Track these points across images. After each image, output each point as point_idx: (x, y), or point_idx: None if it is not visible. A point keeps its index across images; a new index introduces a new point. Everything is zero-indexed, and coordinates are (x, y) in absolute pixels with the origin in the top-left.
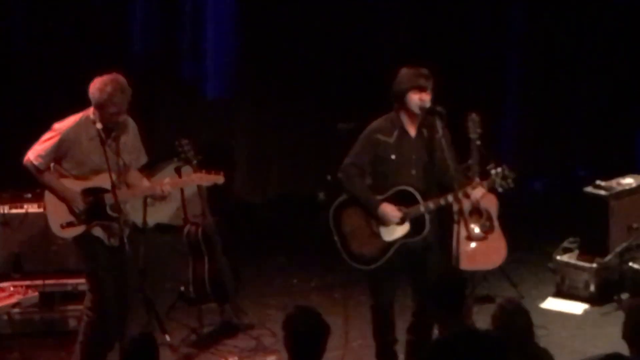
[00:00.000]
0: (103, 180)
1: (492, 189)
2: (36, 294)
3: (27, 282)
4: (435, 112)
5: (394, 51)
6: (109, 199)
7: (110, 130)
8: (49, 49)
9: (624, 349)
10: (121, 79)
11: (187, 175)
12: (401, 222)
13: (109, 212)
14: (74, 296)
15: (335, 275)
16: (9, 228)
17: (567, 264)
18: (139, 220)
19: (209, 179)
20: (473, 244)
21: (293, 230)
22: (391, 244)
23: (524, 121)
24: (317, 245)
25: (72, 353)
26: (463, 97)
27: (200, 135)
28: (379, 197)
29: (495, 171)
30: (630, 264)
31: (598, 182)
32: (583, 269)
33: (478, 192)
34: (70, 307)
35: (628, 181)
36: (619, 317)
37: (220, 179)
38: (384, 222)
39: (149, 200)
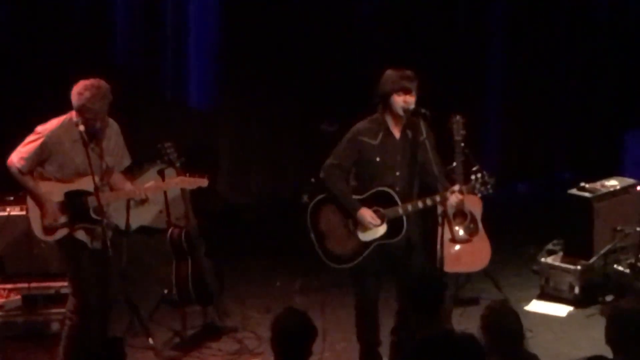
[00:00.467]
0: (86, 183)
1: (472, 194)
2: (19, 297)
3: (10, 286)
4: (420, 114)
5: (378, 53)
6: (92, 201)
7: (94, 133)
8: (31, 54)
9: (608, 351)
10: (103, 84)
11: (171, 178)
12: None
13: (92, 215)
14: (57, 299)
15: (318, 277)
16: None
17: (551, 266)
18: (122, 223)
19: (192, 182)
20: (457, 246)
21: (277, 233)
22: (367, 244)
23: (508, 123)
24: (300, 248)
25: (54, 356)
26: (447, 99)
27: (183, 137)
28: (359, 197)
29: (475, 177)
30: (615, 266)
31: (582, 184)
32: (567, 271)
33: (455, 198)
34: (53, 310)
35: (612, 183)
36: (603, 319)
37: (204, 182)
38: (361, 225)
39: (132, 202)
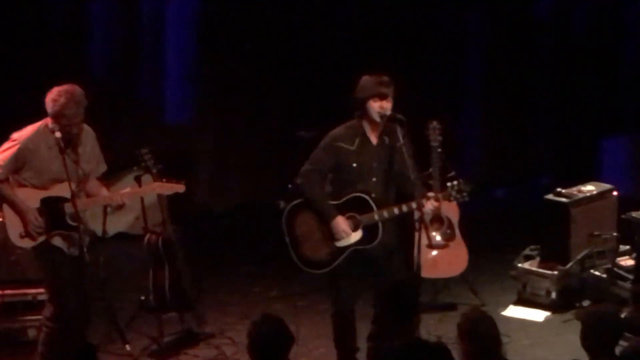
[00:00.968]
0: (62, 189)
1: (448, 201)
2: None
3: None
4: (396, 119)
5: (355, 59)
6: (68, 208)
7: (70, 139)
8: (6, 62)
9: (584, 355)
10: (77, 90)
11: (148, 183)
12: (354, 228)
13: (69, 221)
14: (34, 306)
15: (296, 283)
16: None
17: (528, 271)
18: (98, 229)
19: (169, 188)
20: (434, 252)
21: (254, 239)
22: (342, 250)
23: (485, 129)
24: (278, 254)
25: None
26: (424, 105)
27: (160, 143)
28: (335, 203)
29: (451, 184)
30: (591, 271)
31: (559, 189)
32: (544, 276)
33: (431, 205)
34: (30, 317)
35: (589, 188)
36: (580, 324)
37: (181, 188)
38: (334, 234)
39: (108, 209)
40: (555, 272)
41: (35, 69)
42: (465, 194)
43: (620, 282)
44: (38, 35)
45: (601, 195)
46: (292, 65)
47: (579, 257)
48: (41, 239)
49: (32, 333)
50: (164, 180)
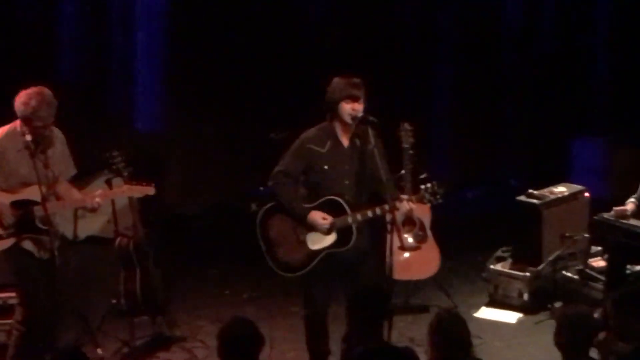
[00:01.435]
0: (32, 193)
1: (422, 203)
2: None
3: None
4: (368, 121)
5: (326, 61)
6: (38, 211)
7: (39, 142)
8: None
9: (557, 356)
10: (47, 91)
11: (118, 186)
12: (328, 231)
13: (39, 224)
14: (4, 310)
15: (268, 286)
16: None
17: (500, 273)
18: (69, 233)
19: (139, 191)
20: (406, 254)
21: (226, 242)
22: (316, 253)
23: (457, 130)
24: (249, 256)
25: None
26: (396, 107)
27: (131, 147)
28: (308, 206)
29: (425, 186)
30: (563, 272)
31: (530, 191)
32: (516, 277)
33: (405, 206)
34: (0, 321)
35: (560, 190)
36: (553, 325)
37: (150, 191)
38: (312, 229)
39: (79, 212)
40: (527, 274)
41: (3, 74)
42: (438, 196)
43: (592, 283)
44: (7, 40)
45: (573, 196)
46: (263, 67)
47: (550, 258)
48: (11, 242)
49: (2, 337)
50: (134, 182)
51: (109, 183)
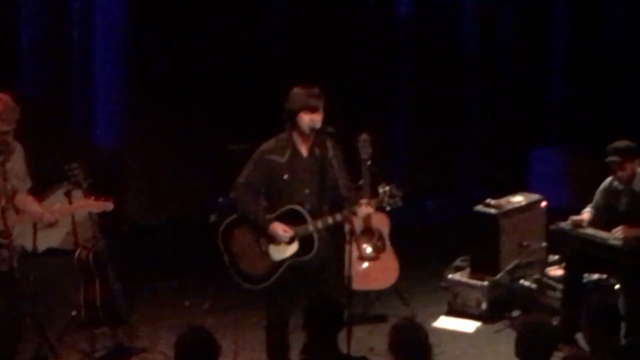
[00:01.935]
0: None
1: (381, 208)
2: None
3: None
4: (327, 132)
5: (286, 71)
6: None
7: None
8: None
9: None
10: (7, 97)
11: (78, 200)
12: (290, 241)
13: None
14: None
15: (228, 297)
16: None
17: (458, 282)
18: (29, 245)
19: (98, 206)
20: (365, 264)
21: (185, 253)
22: (280, 263)
23: (415, 141)
24: (209, 268)
25: None
26: (354, 118)
27: (90, 158)
28: (269, 217)
29: (383, 189)
30: (521, 281)
31: (488, 200)
32: (474, 287)
33: (365, 211)
34: None
35: (518, 199)
36: (511, 334)
37: (109, 206)
38: (274, 240)
39: (39, 224)
40: (485, 283)
41: None
42: (397, 198)
43: (550, 292)
44: None
45: (530, 206)
46: (222, 79)
47: (508, 267)
48: None
49: None
50: (93, 196)
51: (68, 195)
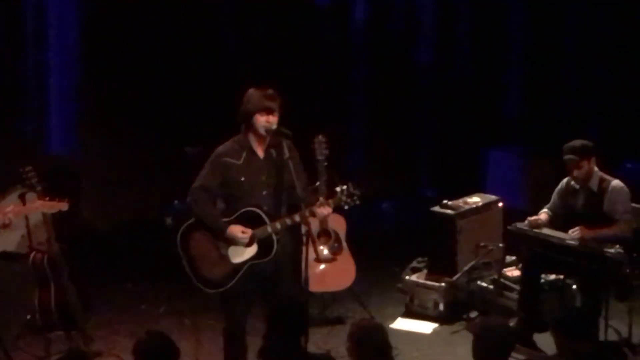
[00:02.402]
0: None
1: (339, 208)
2: None
3: None
4: (282, 133)
5: (241, 73)
6: None
7: None
8: None
9: None
10: None
11: (31, 202)
12: (249, 243)
13: None
14: None
15: (184, 300)
16: None
17: (416, 284)
18: None
19: (52, 206)
20: (322, 266)
21: (141, 256)
22: (240, 266)
23: (371, 142)
24: (165, 271)
25: None
26: (310, 119)
27: (45, 164)
28: (226, 220)
29: (340, 189)
30: (478, 282)
31: (445, 201)
32: (432, 288)
33: (324, 210)
34: None
35: (475, 200)
36: (468, 335)
37: (64, 206)
38: (232, 243)
39: None
40: (443, 284)
41: None
42: (355, 197)
43: (507, 293)
44: None
45: (487, 206)
46: (176, 81)
47: (465, 268)
48: None
49: None
50: (47, 198)
51: (22, 198)
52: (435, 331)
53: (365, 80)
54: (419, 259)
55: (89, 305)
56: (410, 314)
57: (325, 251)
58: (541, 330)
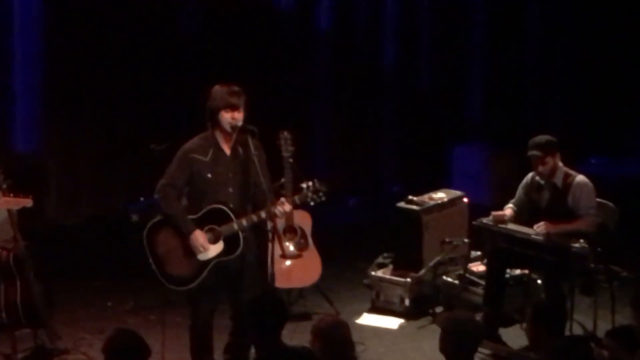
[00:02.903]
0: None
1: (304, 204)
2: None
3: None
4: (247, 130)
5: (206, 69)
6: None
7: None
8: None
9: None
10: None
11: None
12: (215, 240)
13: None
14: None
15: (150, 297)
16: None
17: (381, 279)
18: None
19: (17, 203)
20: (288, 262)
21: (107, 253)
22: (206, 263)
23: (336, 138)
24: (131, 267)
25: None
26: (276, 115)
27: (9, 162)
28: (193, 217)
29: (306, 185)
30: (444, 277)
31: (410, 197)
32: (397, 283)
33: (284, 208)
34: None
35: (440, 195)
36: (434, 330)
37: (28, 202)
38: (192, 249)
39: None
40: (408, 280)
41: None
42: (321, 193)
43: (472, 288)
44: None
45: (452, 202)
46: (140, 78)
47: (431, 264)
48: None
49: None
50: (11, 195)
51: None
52: (401, 326)
53: (331, 77)
54: (385, 254)
55: (55, 303)
56: (376, 309)
57: (291, 247)
58: (506, 324)
